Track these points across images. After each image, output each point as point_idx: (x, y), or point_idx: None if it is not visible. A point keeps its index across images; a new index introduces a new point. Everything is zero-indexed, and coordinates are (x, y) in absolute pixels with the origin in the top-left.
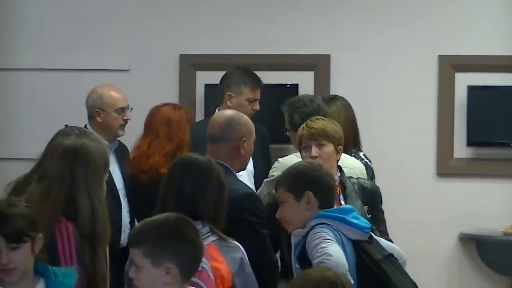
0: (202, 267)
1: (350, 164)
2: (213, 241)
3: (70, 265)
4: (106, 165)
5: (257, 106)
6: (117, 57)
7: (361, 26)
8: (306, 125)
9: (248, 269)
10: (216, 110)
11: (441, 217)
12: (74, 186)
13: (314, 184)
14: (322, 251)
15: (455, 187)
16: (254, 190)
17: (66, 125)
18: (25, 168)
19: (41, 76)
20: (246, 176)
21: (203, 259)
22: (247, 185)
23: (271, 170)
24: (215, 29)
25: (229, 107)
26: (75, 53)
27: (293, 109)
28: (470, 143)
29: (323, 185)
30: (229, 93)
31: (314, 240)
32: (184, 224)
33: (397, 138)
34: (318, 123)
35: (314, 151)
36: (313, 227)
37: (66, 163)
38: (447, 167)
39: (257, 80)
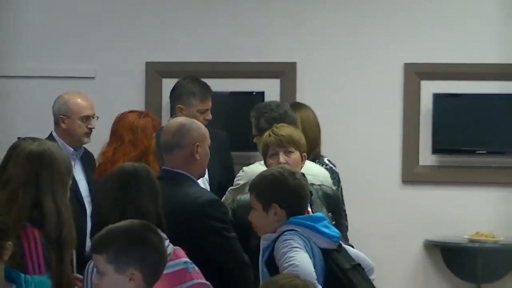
0: (192, 267)
1: (314, 171)
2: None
3: (39, 272)
4: (70, 170)
5: (208, 116)
6: (83, 65)
7: (327, 34)
8: (273, 132)
9: None
10: None
11: (407, 224)
12: (39, 191)
13: (282, 196)
14: (289, 261)
15: (420, 194)
16: (217, 196)
17: (18, 138)
18: None
19: (7, 83)
20: (201, 183)
21: (185, 258)
22: (209, 192)
23: (236, 179)
24: (181, 37)
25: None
26: (40, 60)
27: (259, 114)
28: (435, 150)
29: (295, 195)
30: (180, 105)
31: (282, 249)
32: (148, 231)
33: (363, 146)
34: (285, 130)
35: (282, 158)
36: (282, 233)
37: (31, 168)
38: (412, 174)
39: (206, 89)
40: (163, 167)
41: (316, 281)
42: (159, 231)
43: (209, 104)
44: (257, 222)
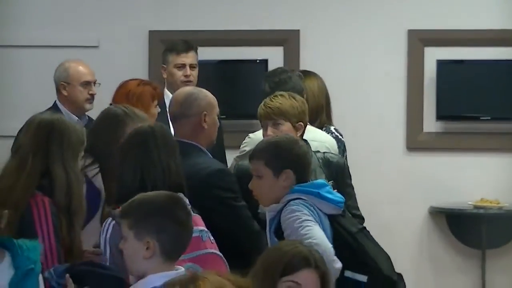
0: (208, 236)
1: (320, 138)
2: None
3: (48, 239)
4: (82, 141)
5: (187, 72)
6: (86, 34)
7: (330, 1)
8: (264, 104)
9: None
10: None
11: (411, 191)
12: (49, 159)
13: (295, 162)
14: (307, 238)
15: (424, 161)
16: (224, 165)
17: None
18: None
19: (10, 53)
20: None
21: (202, 227)
22: (216, 161)
23: (242, 145)
24: (185, 5)
25: (166, 80)
26: (43, 29)
27: (265, 78)
28: (440, 117)
29: (303, 162)
30: (163, 65)
31: (293, 223)
32: (173, 203)
33: (366, 113)
34: (275, 101)
35: (270, 130)
36: (287, 202)
37: (41, 136)
38: (416, 141)
39: (184, 44)
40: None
41: (335, 257)
42: (187, 203)
43: (186, 59)
44: (262, 189)
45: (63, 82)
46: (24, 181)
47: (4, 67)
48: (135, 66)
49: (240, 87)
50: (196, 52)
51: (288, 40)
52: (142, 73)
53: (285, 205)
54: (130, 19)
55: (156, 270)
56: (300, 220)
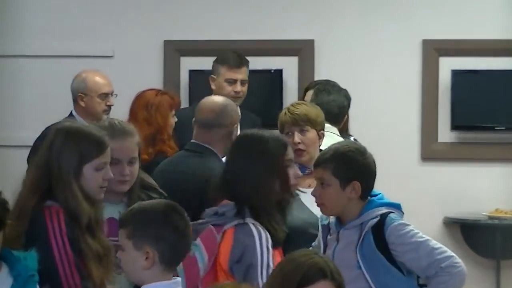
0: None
1: None
2: (235, 225)
3: (63, 250)
4: (99, 147)
5: (237, 88)
6: (102, 43)
7: (345, 11)
8: (288, 111)
9: (249, 259)
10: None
11: (426, 201)
12: (60, 167)
13: (362, 173)
14: (440, 249)
15: (439, 171)
16: None
17: None
18: None
19: (25, 63)
20: None
21: (199, 244)
22: None
23: None
24: (200, 15)
25: (214, 91)
26: (59, 39)
27: (312, 83)
28: (454, 127)
29: (371, 174)
30: (212, 75)
31: (413, 237)
32: (171, 211)
33: (381, 123)
34: (300, 108)
35: (297, 137)
36: (375, 217)
37: (47, 142)
38: (431, 151)
39: (235, 58)
40: (191, 140)
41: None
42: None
43: (238, 75)
44: (328, 199)
45: (81, 93)
46: (29, 192)
47: (18, 77)
48: (150, 76)
49: (254, 97)
50: (248, 66)
51: (303, 50)
52: (157, 83)
53: (378, 220)
54: (144, 29)
55: (155, 279)
56: (419, 233)
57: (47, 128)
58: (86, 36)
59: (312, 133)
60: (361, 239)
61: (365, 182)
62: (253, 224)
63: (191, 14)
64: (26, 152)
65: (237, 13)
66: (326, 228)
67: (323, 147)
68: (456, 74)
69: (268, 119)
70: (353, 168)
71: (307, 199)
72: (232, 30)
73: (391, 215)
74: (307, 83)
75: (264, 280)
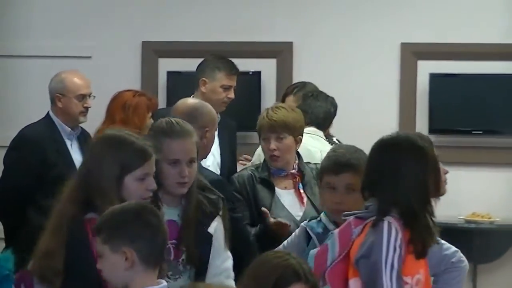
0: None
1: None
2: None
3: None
4: (142, 156)
5: (231, 94)
6: (80, 44)
7: (323, 13)
8: (267, 115)
9: (375, 256)
10: (191, 97)
11: None
12: (101, 177)
13: None
14: (452, 250)
15: None
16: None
17: None
18: None
19: (2, 63)
20: (213, 168)
21: (335, 234)
22: (214, 173)
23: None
24: (178, 16)
25: (203, 94)
26: (37, 39)
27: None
28: (432, 130)
29: None
30: (204, 79)
31: None
32: (142, 209)
33: (359, 125)
34: (279, 113)
35: (273, 144)
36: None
37: (89, 151)
38: None
39: (233, 66)
40: None
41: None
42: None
43: (233, 82)
44: (354, 205)
45: (58, 94)
46: (67, 203)
47: None
48: (128, 76)
49: (233, 98)
50: None
51: (281, 52)
52: (135, 84)
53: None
54: (123, 29)
55: (140, 279)
56: None
57: (23, 129)
58: (64, 37)
59: (288, 140)
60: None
61: None
62: (389, 222)
63: (170, 15)
64: (3, 152)
65: (216, 15)
66: (322, 237)
67: (311, 148)
68: (434, 78)
69: (246, 121)
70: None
71: (286, 200)
72: (210, 32)
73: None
74: (285, 86)
75: (388, 279)
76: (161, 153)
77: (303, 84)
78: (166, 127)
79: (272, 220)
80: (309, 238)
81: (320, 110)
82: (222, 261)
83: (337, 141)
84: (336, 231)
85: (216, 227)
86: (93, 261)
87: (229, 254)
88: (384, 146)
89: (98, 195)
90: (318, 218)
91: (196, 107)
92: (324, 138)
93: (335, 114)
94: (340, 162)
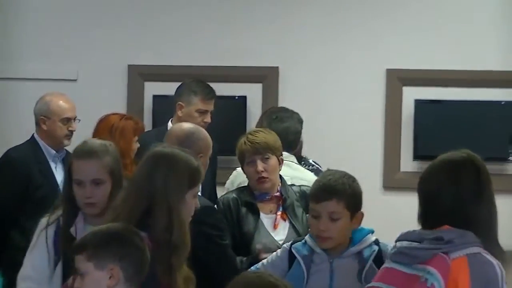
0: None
1: (308, 178)
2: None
3: None
4: (194, 175)
5: (207, 119)
6: (66, 67)
7: (309, 38)
8: (248, 140)
9: None
10: (169, 121)
11: (388, 230)
12: (152, 192)
13: (361, 203)
14: None
15: (401, 200)
16: (212, 203)
17: None
18: None
19: None
20: None
21: (433, 272)
22: (203, 198)
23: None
24: (164, 40)
25: (179, 117)
26: (22, 62)
27: (264, 113)
28: (417, 156)
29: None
30: (180, 102)
31: None
32: (128, 231)
33: (344, 151)
34: (259, 136)
35: (260, 165)
36: (376, 244)
37: (148, 168)
38: (393, 180)
39: (209, 91)
40: None
41: None
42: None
43: (210, 107)
44: (339, 232)
45: (43, 116)
46: (127, 214)
47: None
48: (114, 100)
49: (218, 123)
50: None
51: (267, 76)
52: (121, 107)
53: (364, 248)
54: (109, 53)
55: None
56: None
57: (8, 151)
58: (50, 59)
59: (273, 160)
60: (366, 268)
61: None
62: (486, 253)
63: (156, 39)
64: None
65: (202, 40)
66: (308, 259)
67: (283, 176)
68: (419, 104)
69: (232, 145)
70: (359, 198)
71: (268, 223)
72: (196, 56)
73: (381, 242)
74: None
75: None
76: (70, 174)
77: (278, 109)
78: (76, 147)
79: (264, 255)
80: (292, 259)
81: (288, 132)
82: None
83: (313, 163)
84: (433, 269)
85: None
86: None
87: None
88: (451, 170)
89: (164, 205)
90: (303, 240)
91: (192, 132)
92: (297, 162)
93: (301, 130)
94: (323, 189)
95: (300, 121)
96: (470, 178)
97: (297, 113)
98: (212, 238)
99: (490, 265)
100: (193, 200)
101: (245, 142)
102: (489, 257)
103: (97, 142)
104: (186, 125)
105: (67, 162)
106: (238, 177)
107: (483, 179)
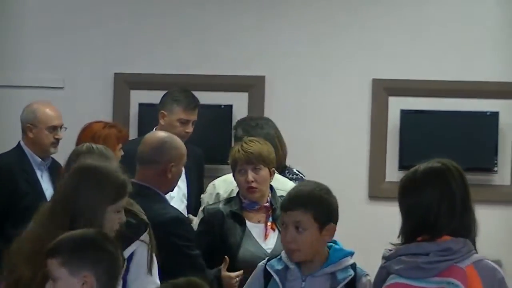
0: None
1: (288, 187)
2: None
3: None
4: (117, 190)
5: (189, 129)
6: (52, 74)
7: (296, 48)
8: (242, 148)
9: None
10: (154, 129)
11: (373, 240)
12: (77, 206)
13: (336, 214)
14: None
15: (387, 210)
16: (183, 213)
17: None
18: None
19: None
20: (178, 199)
21: (457, 283)
22: (175, 209)
23: (206, 193)
24: (150, 49)
25: (162, 126)
26: (8, 69)
27: (239, 122)
28: (402, 166)
29: (337, 214)
30: (163, 111)
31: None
32: (102, 237)
33: (330, 160)
34: (254, 146)
35: (250, 175)
36: (353, 268)
37: (71, 182)
38: (379, 190)
39: (192, 101)
40: (132, 180)
41: None
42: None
43: (192, 117)
44: (305, 243)
45: (29, 124)
46: (52, 227)
47: None
48: (100, 108)
49: (204, 132)
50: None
51: (253, 86)
52: (107, 115)
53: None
54: (95, 60)
55: None
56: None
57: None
58: (36, 67)
59: (264, 171)
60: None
61: (335, 224)
62: (485, 258)
63: (142, 47)
64: None
65: (188, 48)
66: (282, 274)
67: None
68: (405, 114)
69: (218, 154)
70: (330, 210)
71: (257, 233)
72: (182, 65)
73: (357, 267)
74: None
75: None
76: None
77: (249, 118)
78: (85, 151)
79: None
80: (268, 277)
81: (268, 138)
82: (142, 286)
83: (297, 172)
84: (456, 280)
85: (135, 252)
86: None
87: (153, 280)
88: (443, 179)
89: (84, 222)
90: (279, 256)
91: (165, 141)
92: (278, 172)
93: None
94: (290, 199)
95: (274, 126)
96: (459, 187)
97: (271, 120)
98: (180, 248)
99: (495, 269)
100: (116, 215)
101: (239, 150)
102: (490, 261)
103: (101, 147)
104: (160, 134)
105: (53, 170)
106: (217, 189)
107: (467, 185)
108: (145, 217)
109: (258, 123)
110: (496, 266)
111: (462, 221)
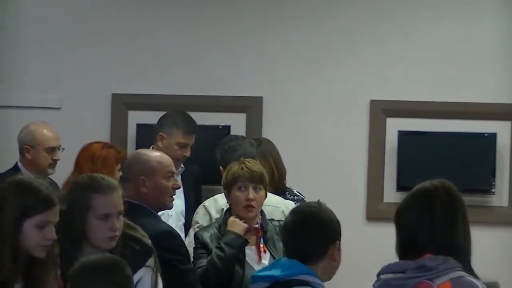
0: None
1: (274, 202)
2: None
3: None
4: (34, 203)
5: (187, 152)
6: (49, 95)
7: (294, 69)
8: (246, 166)
9: None
10: (150, 148)
11: (371, 261)
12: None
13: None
14: None
15: (384, 232)
16: (173, 229)
17: None
18: None
19: None
20: (175, 217)
21: None
22: (164, 223)
23: (197, 215)
24: (148, 69)
25: (159, 148)
26: (5, 89)
27: (217, 145)
28: (400, 187)
29: None
30: (161, 133)
31: None
32: (112, 265)
33: (328, 181)
34: (256, 166)
35: (252, 194)
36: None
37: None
38: (376, 211)
39: (191, 126)
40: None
41: None
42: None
43: (190, 141)
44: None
45: (27, 146)
46: None
47: None
48: (98, 128)
49: (202, 152)
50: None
51: (251, 107)
52: (104, 136)
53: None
54: (93, 81)
55: None
56: None
57: None
58: (33, 87)
59: (262, 193)
60: None
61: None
62: (469, 276)
63: (140, 68)
64: None
65: (186, 69)
66: None
67: None
68: (403, 135)
69: (216, 175)
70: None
71: (250, 257)
72: (180, 85)
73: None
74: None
75: None
76: (89, 209)
77: (229, 139)
78: (92, 182)
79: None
80: None
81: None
82: None
83: (297, 193)
84: None
85: (141, 279)
86: None
87: None
88: (430, 199)
89: None
90: None
91: (134, 157)
92: (276, 193)
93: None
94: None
95: (252, 145)
96: (443, 206)
97: (246, 137)
98: (170, 262)
99: (474, 287)
100: (35, 230)
101: (242, 168)
102: (473, 279)
103: (106, 177)
104: (136, 151)
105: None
106: (209, 209)
107: (456, 205)
108: (149, 241)
109: (230, 146)
110: (479, 284)
111: (445, 239)
